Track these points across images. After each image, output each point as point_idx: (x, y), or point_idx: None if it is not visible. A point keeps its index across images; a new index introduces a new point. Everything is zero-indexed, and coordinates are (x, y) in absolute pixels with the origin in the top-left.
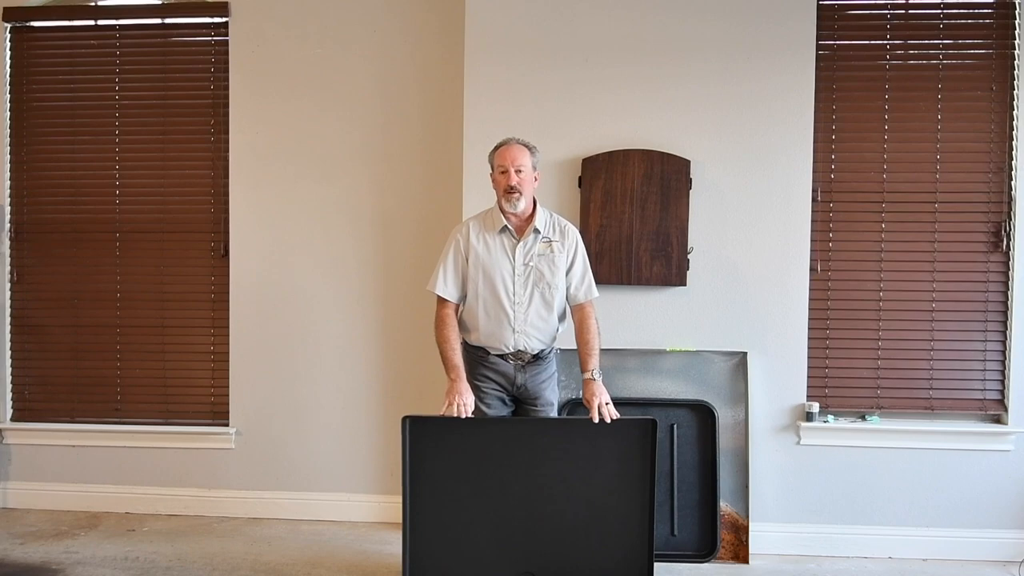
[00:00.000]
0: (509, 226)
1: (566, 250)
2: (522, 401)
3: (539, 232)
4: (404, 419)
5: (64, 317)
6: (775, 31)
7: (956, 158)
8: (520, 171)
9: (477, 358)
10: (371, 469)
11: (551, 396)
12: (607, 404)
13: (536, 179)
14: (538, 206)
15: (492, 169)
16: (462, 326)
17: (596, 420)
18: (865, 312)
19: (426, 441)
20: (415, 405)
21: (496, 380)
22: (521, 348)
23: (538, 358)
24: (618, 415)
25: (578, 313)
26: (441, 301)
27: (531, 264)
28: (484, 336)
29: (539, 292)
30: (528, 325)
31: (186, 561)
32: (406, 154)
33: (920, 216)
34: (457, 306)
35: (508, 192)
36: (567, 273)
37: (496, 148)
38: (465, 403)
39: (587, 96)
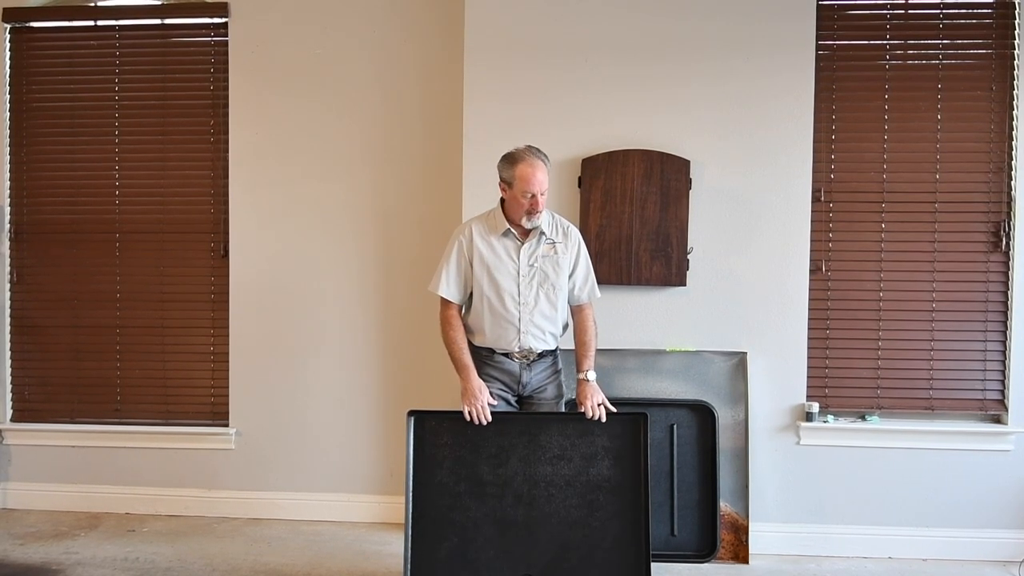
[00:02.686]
0: (513, 230)
1: (570, 252)
2: (527, 397)
3: (543, 234)
4: (409, 413)
5: (64, 317)
6: (775, 31)
7: (956, 158)
8: (543, 193)
9: (482, 358)
10: (371, 469)
11: (556, 391)
12: (599, 404)
13: None
14: None
15: (509, 183)
16: (467, 329)
17: (589, 415)
18: (865, 312)
19: (430, 436)
20: (415, 406)
21: (502, 380)
22: (527, 347)
23: (543, 356)
24: (614, 409)
25: (578, 314)
26: (445, 302)
27: (535, 265)
28: (490, 338)
29: (544, 293)
30: (533, 326)
31: (186, 562)
32: (406, 154)
33: (920, 216)
34: (461, 307)
35: (531, 214)
36: (570, 276)
37: (514, 163)
38: (482, 406)
39: (587, 96)
